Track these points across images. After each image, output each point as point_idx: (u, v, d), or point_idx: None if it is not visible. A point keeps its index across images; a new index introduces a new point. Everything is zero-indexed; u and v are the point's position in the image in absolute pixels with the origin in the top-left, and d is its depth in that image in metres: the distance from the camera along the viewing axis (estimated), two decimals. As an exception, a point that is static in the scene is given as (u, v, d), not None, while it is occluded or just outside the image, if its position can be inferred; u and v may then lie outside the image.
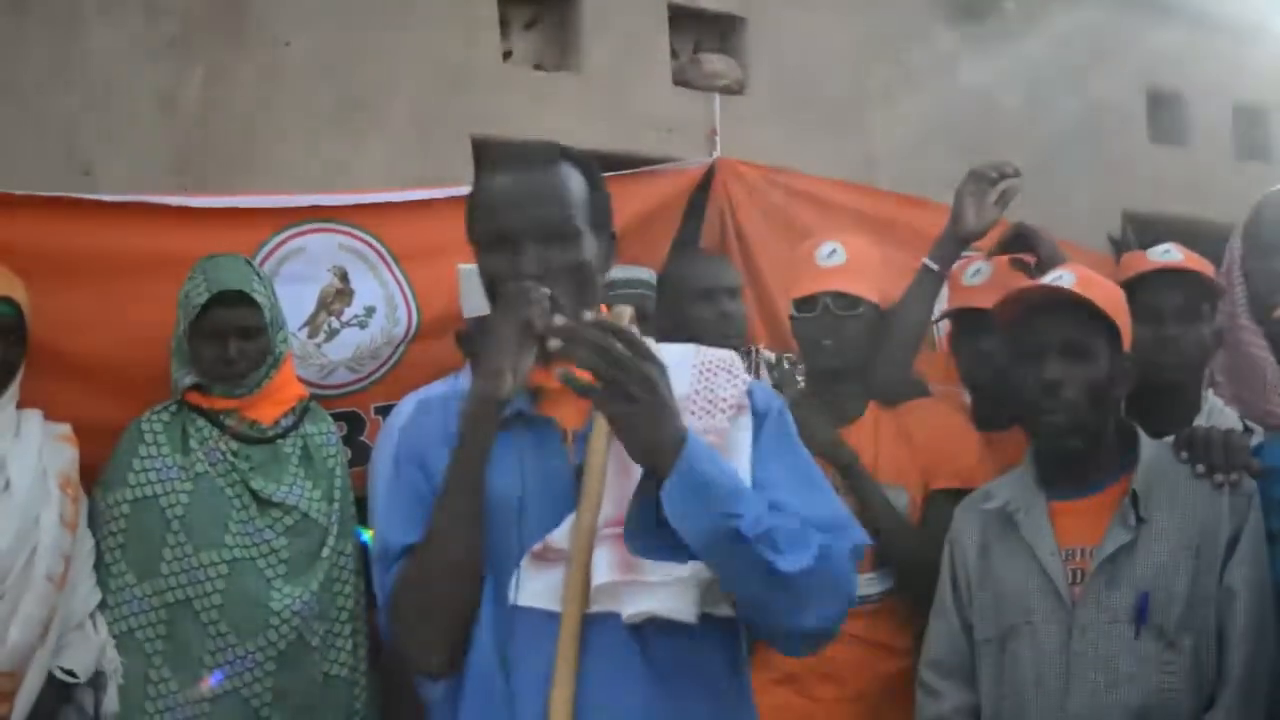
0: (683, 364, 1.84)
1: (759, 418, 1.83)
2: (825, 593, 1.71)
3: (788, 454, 1.84)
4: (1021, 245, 3.06)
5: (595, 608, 1.70)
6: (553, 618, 1.70)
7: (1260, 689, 2.20)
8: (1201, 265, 2.77)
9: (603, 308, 1.90)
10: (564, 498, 1.75)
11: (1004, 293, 3.00)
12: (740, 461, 1.78)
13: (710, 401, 1.80)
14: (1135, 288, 2.68)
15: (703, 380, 1.83)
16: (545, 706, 1.67)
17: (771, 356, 3.62)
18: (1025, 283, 2.96)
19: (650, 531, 1.69)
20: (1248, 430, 2.66)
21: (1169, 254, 2.77)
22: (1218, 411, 2.74)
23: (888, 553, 2.74)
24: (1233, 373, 2.96)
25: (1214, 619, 2.23)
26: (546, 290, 1.75)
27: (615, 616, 1.69)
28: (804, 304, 2.94)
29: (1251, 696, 2.19)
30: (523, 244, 1.79)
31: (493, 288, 1.83)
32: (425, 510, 1.78)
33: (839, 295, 2.87)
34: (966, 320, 3.07)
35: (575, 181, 1.85)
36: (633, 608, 1.69)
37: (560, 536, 1.72)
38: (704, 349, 1.90)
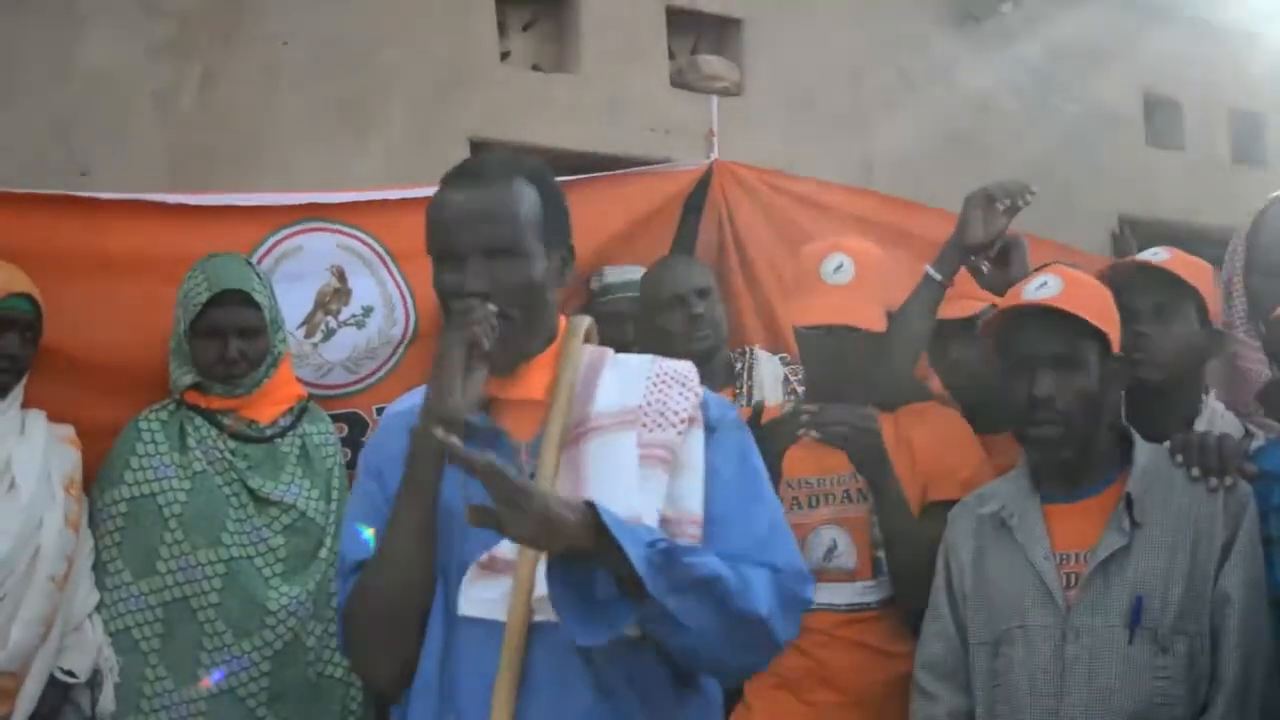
0: (638, 376, 1.86)
1: (710, 430, 1.83)
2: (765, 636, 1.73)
3: (738, 472, 1.83)
4: (1002, 255, 3.01)
5: (539, 617, 1.70)
6: (498, 627, 1.70)
7: (1254, 693, 2.19)
8: (1189, 267, 2.70)
9: (561, 320, 1.91)
10: None
11: (963, 299, 3.00)
12: (692, 476, 1.78)
13: (661, 414, 1.81)
14: (1120, 289, 2.67)
15: (655, 393, 1.83)
16: (488, 716, 1.66)
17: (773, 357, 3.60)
18: (976, 289, 2.94)
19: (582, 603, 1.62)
20: (1249, 434, 2.64)
21: (1156, 255, 2.73)
22: (1218, 415, 2.71)
23: (897, 559, 2.70)
24: (1224, 382, 2.94)
25: (1208, 623, 2.22)
26: (493, 307, 1.76)
27: (559, 626, 1.67)
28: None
29: (1245, 701, 2.18)
30: (469, 260, 1.79)
31: (443, 304, 1.83)
32: (379, 526, 1.79)
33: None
34: (936, 330, 3.06)
35: (527, 198, 1.84)
36: None
37: (507, 547, 1.72)
38: (661, 360, 1.90)
